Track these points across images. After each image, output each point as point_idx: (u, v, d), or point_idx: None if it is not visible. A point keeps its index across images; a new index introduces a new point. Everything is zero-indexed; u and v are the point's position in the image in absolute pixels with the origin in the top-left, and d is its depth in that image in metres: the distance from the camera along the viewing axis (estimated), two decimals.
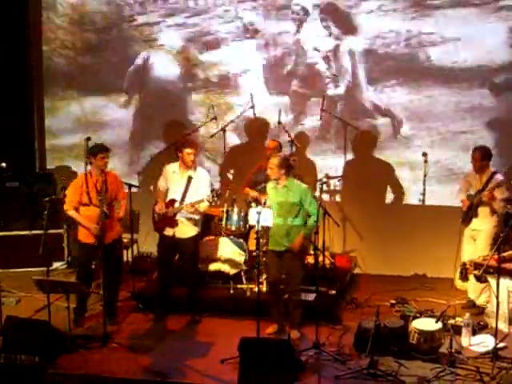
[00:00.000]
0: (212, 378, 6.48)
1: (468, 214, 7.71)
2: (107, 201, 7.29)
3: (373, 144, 9.03)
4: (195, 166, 7.59)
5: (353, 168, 9.12)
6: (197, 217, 7.54)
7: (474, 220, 7.69)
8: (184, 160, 7.47)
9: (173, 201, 7.50)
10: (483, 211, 7.63)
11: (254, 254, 7.14)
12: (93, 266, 7.68)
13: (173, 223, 7.49)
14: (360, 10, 8.86)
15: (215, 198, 7.30)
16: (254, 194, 8.00)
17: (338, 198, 9.23)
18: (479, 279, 7.23)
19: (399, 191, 9.03)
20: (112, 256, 7.38)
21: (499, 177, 7.59)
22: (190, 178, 7.48)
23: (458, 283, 7.95)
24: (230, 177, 9.50)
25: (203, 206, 7.44)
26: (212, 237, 8.24)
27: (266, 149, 8.33)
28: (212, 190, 7.34)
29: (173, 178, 7.57)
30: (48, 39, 9.85)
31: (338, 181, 9.09)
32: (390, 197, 9.12)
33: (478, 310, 7.61)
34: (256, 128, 9.30)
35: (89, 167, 7.43)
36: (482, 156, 7.62)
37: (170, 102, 9.60)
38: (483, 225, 7.66)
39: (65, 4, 9.72)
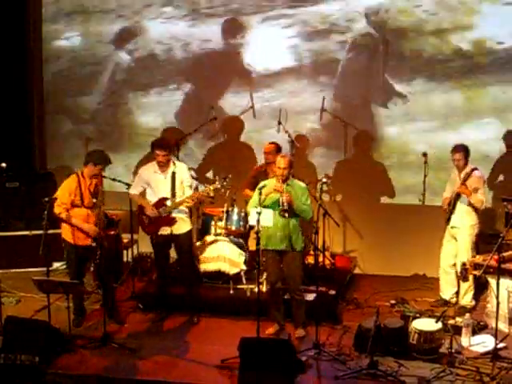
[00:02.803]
0: (212, 378, 6.48)
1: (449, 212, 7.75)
2: (102, 203, 7.29)
3: (373, 144, 9.03)
4: (173, 161, 7.61)
5: (353, 168, 9.11)
6: (187, 210, 7.59)
7: (453, 217, 7.70)
8: (157, 160, 7.48)
9: (163, 199, 7.49)
10: (461, 208, 7.65)
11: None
12: (91, 268, 7.65)
13: (170, 221, 7.49)
14: None
15: (225, 183, 7.40)
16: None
17: (338, 198, 9.23)
18: (478, 279, 7.25)
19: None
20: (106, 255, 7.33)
21: (477, 172, 7.62)
22: (174, 174, 7.51)
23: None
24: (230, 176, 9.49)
25: (202, 192, 7.57)
26: (212, 237, 8.24)
27: (264, 152, 8.34)
28: (225, 178, 7.44)
29: (155, 178, 7.55)
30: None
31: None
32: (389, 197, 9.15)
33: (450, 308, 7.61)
34: (256, 129, 9.30)
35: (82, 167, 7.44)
36: (465, 155, 7.64)
37: None
38: (462, 222, 7.67)
39: None
